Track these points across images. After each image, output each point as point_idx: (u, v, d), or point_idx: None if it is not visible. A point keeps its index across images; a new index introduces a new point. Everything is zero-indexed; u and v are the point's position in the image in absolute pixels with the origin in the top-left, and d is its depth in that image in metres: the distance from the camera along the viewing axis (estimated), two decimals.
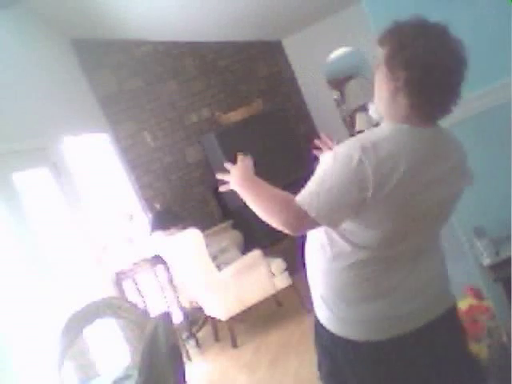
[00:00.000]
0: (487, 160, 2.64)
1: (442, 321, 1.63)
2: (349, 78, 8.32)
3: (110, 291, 4.70)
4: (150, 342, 2.33)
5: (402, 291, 1.58)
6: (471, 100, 2.58)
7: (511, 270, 2.39)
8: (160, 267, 5.07)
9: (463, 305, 2.53)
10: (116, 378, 2.73)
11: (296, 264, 5.98)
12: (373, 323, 1.59)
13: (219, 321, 4.89)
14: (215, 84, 6.92)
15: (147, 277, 5.09)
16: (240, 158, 1.72)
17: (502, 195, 2.59)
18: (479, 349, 2.37)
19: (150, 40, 6.43)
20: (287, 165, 6.33)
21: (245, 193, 1.66)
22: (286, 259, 4.96)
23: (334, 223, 1.53)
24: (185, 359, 4.48)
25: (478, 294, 2.60)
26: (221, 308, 4.71)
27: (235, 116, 6.59)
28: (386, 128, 1.55)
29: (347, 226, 1.55)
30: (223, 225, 6.17)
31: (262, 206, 1.58)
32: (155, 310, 4.66)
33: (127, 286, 4.94)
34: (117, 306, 3.08)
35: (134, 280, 4.95)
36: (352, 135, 7.96)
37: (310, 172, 1.62)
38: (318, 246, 1.64)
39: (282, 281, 4.85)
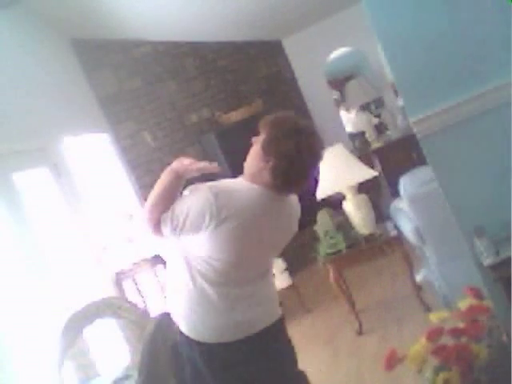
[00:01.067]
0: (487, 160, 2.64)
1: (272, 329, 2.03)
2: (349, 78, 8.31)
3: (110, 291, 4.70)
4: (150, 342, 2.33)
5: (242, 305, 1.98)
6: (471, 100, 2.58)
7: (511, 269, 2.39)
8: (160, 267, 5.06)
9: (463, 305, 2.53)
10: (116, 378, 2.73)
11: (296, 264, 6.00)
12: (220, 329, 1.97)
13: None
14: (215, 84, 6.92)
15: (147, 277, 5.09)
16: (209, 165, 2.01)
17: (502, 195, 2.59)
18: (479, 349, 2.37)
19: (149, 40, 6.42)
20: None
21: (164, 178, 2.02)
22: (285, 259, 4.96)
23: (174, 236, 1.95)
24: None
25: (477, 294, 2.60)
26: None
27: (235, 116, 6.58)
28: (242, 184, 1.98)
29: (197, 254, 1.93)
30: None
31: (156, 196, 1.98)
32: (155, 310, 4.66)
33: (127, 286, 4.93)
34: (117, 306, 3.08)
35: (134, 280, 4.95)
36: (352, 135, 7.88)
37: None
38: (176, 264, 2.01)
39: (282, 281, 4.85)
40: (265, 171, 1.92)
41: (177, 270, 2.02)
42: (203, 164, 2.00)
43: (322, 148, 1.97)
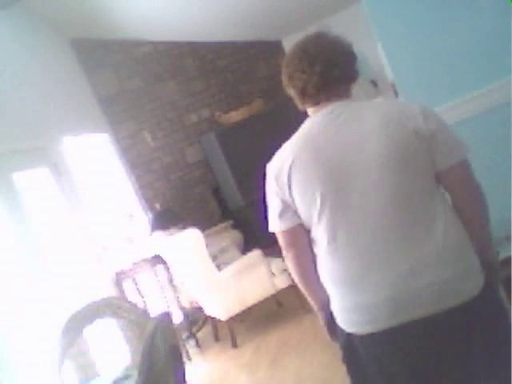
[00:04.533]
0: (487, 160, 2.64)
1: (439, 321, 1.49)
2: None
3: (110, 291, 4.70)
4: (150, 342, 2.33)
5: (367, 280, 1.53)
6: (471, 100, 2.59)
7: (511, 269, 2.39)
8: (160, 267, 5.07)
9: None
10: (116, 378, 2.73)
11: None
12: (340, 314, 1.65)
13: (219, 321, 4.89)
14: (215, 84, 6.92)
15: (147, 277, 5.09)
16: None
17: (502, 195, 2.59)
18: None
19: (150, 40, 6.43)
20: None
21: None
22: None
23: (280, 229, 1.73)
24: (185, 359, 4.48)
25: None
26: (221, 308, 4.71)
27: (235, 116, 6.59)
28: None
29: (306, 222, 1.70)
30: (223, 225, 6.17)
31: None
32: (155, 310, 4.66)
33: (127, 286, 4.93)
34: (117, 306, 3.08)
35: (134, 280, 4.95)
36: None
37: None
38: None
39: (282, 281, 4.85)
40: (290, 92, 1.80)
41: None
42: None
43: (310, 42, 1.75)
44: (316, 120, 1.71)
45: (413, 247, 1.50)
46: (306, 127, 1.74)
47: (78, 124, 5.36)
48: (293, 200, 1.67)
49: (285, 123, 6.94)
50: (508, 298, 2.44)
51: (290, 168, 1.66)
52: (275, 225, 1.74)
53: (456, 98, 2.58)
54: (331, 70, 1.69)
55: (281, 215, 1.71)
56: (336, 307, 1.66)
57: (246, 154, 6.25)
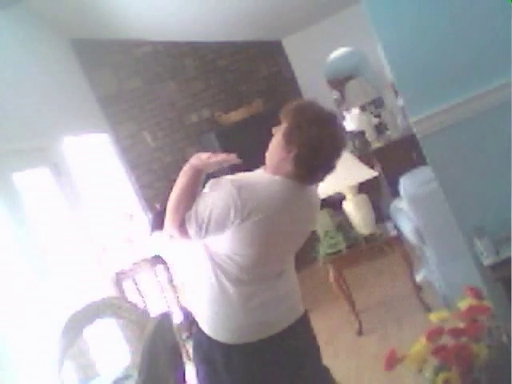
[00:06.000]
0: (487, 160, 2.64)
1: (296, 327, 2.01)
2: (349, 78, 8.31)
3: (110, 291, 4.70)
4: (150, 341, 2.33)
5: (265, 304, 1.95)
6: (471, 100, 2.59)
7: (511, 269, 2.39)
8: (160, 267, 5.07)
9: (463, 305, 2.53)
10: (116, 378, 2.73)
11: (296, 264, 6.00)
12: (242, 329, 1.94)
13: None
14: (215, 84, 6.92)
15: (147, 277, 5.09)
16: (228, 157, 1.96)
17: (501, 195, 2.59)
18: (479, 349, 2.36)
19: (150, 40, 6.43)
20: None
21: (183, 175, 1.96)
22: None
23: (200, 236, 1.89)
24: (185, 359, 4.47)
25: (477, 294, 2.60)
26: None
27: (235, 116, 6.59)
28: (263, 176, 1.93)
29: (221, 252, 1.90)
30: None
31: (178, 195, 1.95)
32: (155, 310, 4.66)
33: (127, 286, 4.93)
34: (117, 306, 3.08)
35: (134, 280, 4.95)
36: (352, 135, 7.80)
37: None
38: (198, 264, 1.97)
39: None
40: (287, 161, 1.87)
41: (199, 269, 1.97)
42: (222, 157, 1.93)
43: (345, 135, 1.92)
44: (290, 188, 1.91)
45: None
46: (283, 189, 1.89)
47: (78, 124, 5.36)
48: (236, 228, 1.83)
49: None
50: (508, 298, 2.44)
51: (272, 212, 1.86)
52: (195, 225, 1.87)
53: (456, 97, 2.58)
54: None
55: (214, 223, 1.84)
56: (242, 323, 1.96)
57: (246, 153, 6.23)
